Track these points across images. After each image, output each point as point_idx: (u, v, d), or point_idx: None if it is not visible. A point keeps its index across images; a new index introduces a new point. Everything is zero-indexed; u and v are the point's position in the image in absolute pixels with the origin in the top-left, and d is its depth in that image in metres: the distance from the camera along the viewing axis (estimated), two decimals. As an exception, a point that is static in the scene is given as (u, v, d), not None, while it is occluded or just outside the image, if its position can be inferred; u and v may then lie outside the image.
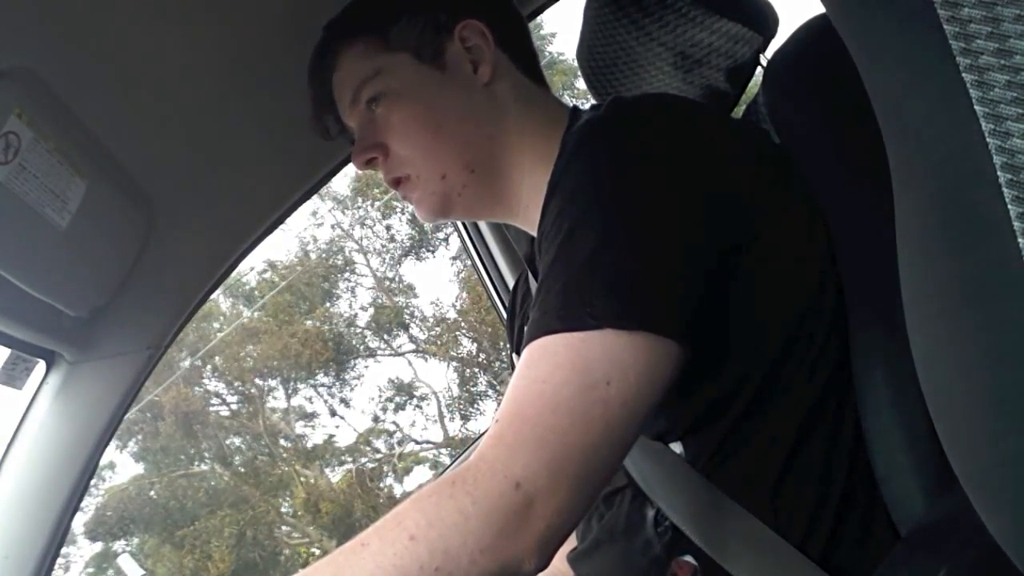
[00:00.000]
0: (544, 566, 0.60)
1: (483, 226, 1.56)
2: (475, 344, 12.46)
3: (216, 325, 12.79)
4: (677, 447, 0.76)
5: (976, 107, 0.47)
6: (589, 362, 0.62)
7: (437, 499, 0.59)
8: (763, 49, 0.95)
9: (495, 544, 0.58)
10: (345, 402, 12.91)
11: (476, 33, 0.89)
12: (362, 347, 13.09)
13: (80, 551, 11.57)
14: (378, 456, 12.29)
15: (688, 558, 0.74)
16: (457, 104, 0.88)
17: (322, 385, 12.86)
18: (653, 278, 0.65)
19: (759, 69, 0.95)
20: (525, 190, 0.88)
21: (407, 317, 12.91)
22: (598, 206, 0.68)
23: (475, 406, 12.35)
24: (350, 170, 1.18)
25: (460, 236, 1.67)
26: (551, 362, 0.63)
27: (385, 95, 0.89)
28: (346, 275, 13.24)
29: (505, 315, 1.38)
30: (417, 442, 12.41)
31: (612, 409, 0.61)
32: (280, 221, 1.27)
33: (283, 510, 12.22)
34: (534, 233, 0.93)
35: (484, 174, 0.89)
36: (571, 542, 0.90)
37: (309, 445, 12.87)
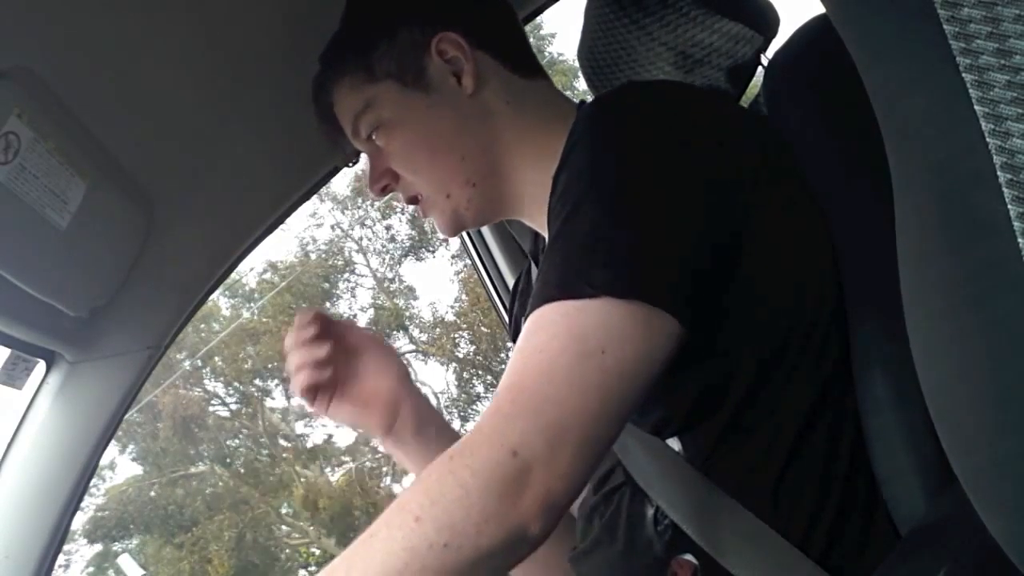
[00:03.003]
0: (550, 529, 0.61)
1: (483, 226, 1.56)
2: (474, 345, 12.46)
3: (216, 326, 12.79)
4: (676, 444, 0.76)
5: (976, 107, 0.47)
6: (586, 331, 0.63)
7: (438, 476, 0.60)
8: (764, 49, 0.95)
9: (498, 511, 0.58)
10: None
11: (452, 45, 0.89)
12: (362, 347, 13.06)
13: (80, 549, 11.59)
14: (377, 456, 12.29)
15: (688, 557, 0.74)
16: (446, 123, 0.89)
17: (322, 385, 12.82)
18: (652, 252, 0.66)
19: (760, 69, 0.95)
20: (530, 187, 0.89)
21: (407, 319, 12.92)
22: (603, 182, 0.69)
23: (474, 407, 12.35)
24: (350, 170, 1.18)
25: (460, 236, 1.67)
26: (548, 331, 0.64)
27: (380, 126, 0.91)
28: (346, 275, 13.25)
29: (505, 314, 1.38)
30: (417, 442, 12.40)
31: (609, 378, 0.62)
32: (280, 221, 1.27)
33: (283, 511, 12.22)
34: (540, 229, 0.93)
35: (486, 184, 0.90)
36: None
37: (309, 445, 12.88)
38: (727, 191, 0.71)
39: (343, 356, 0.94)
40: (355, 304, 13.35)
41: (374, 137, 0.92)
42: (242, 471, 12.57)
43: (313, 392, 0.93)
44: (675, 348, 0.66)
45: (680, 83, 0.89)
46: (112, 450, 11.69)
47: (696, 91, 0.84)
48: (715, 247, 0.69)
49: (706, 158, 0.71)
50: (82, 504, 1.20)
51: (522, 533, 0.59)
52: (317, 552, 11.64)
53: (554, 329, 0.64)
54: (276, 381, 12.67)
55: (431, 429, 0.95)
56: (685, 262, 0.67)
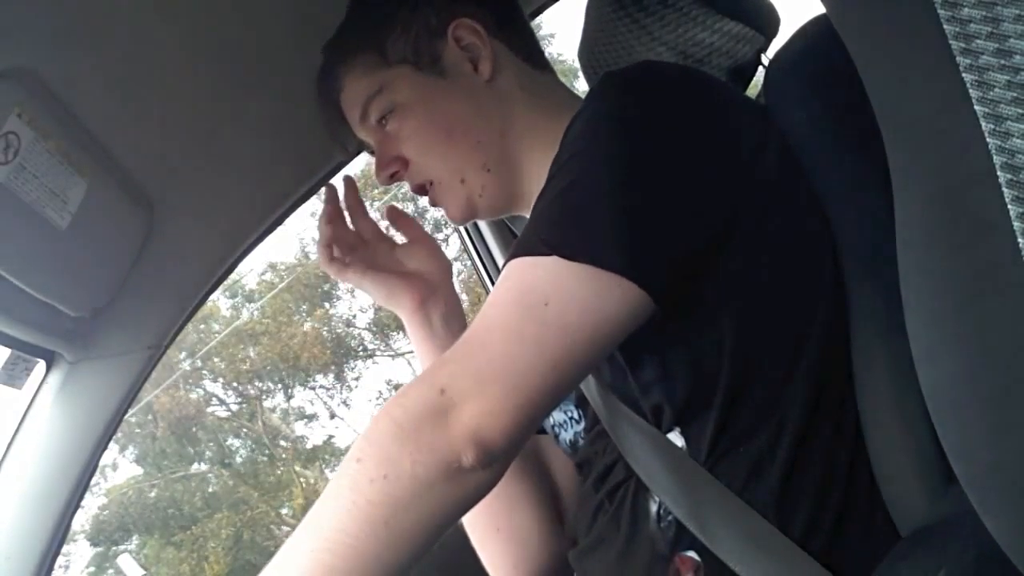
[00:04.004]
0: (489, 466, 0.62)
1: (483, 226, 1.55)
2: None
3: (216, 326, 12.79)
4: (679, 440, 0.76)
5: (976, 107, 0.47)
6: (532, 285, 0.65)
7: (375, 421, 0.63)
8: (764, 49, 0.95)
9: (429, 441, 0.60)
10: (345, 403, 12.92)
11: (469, 31, 0.90)
12: (361, 349, 13.09)
13: (79, 550, 11.59)
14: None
15: (691, 553, 0.74)
16: (463, 107, 0.90)
17: (321, 387, 12.86)
18: (613, 218, 0.67)
19: (760, 69, 0.95)
20: (538, 177, 0.89)
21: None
22: (586, 149, 0.70)
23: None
24: (350, 170, 1.18)
25: (460, 237, 1.67)
26: (502, 286, 0.67)
27: (393, 110, 0.91)
28: (346, 276, 13.21)
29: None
30: (416, 442, 12.38)
31: (548, 329, 0.63)
32: (280, 221, 1.27)
33: (283, 511, 12.21)
34: None
35: (501, 171, 0.90)
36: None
37: (309, 446, 12.87)
38: (723, 174, 0.71)
39: (382, 241, 1.02)
40: (355, 304, 13.35)
41: (385, 122, 0.91)
42: (242, 471, 12.57)
43: (335, 262, 0.98)
44: (634, 313, 0.66)
45: (693, 68, 0.90)
46: (112, 450, 11.69)
47: (706, 76, 0.84)
48: (700, 227, 0.70)
49: (703, 139, 0.71)
50: (82, 504, 1.20)
51: (455, 462, 0.60)
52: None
53: (507, 284, 0.67)
54: (276, 382, 12.68)
55: (457, 323, 0.99)
56: (652, 232, 0.67)
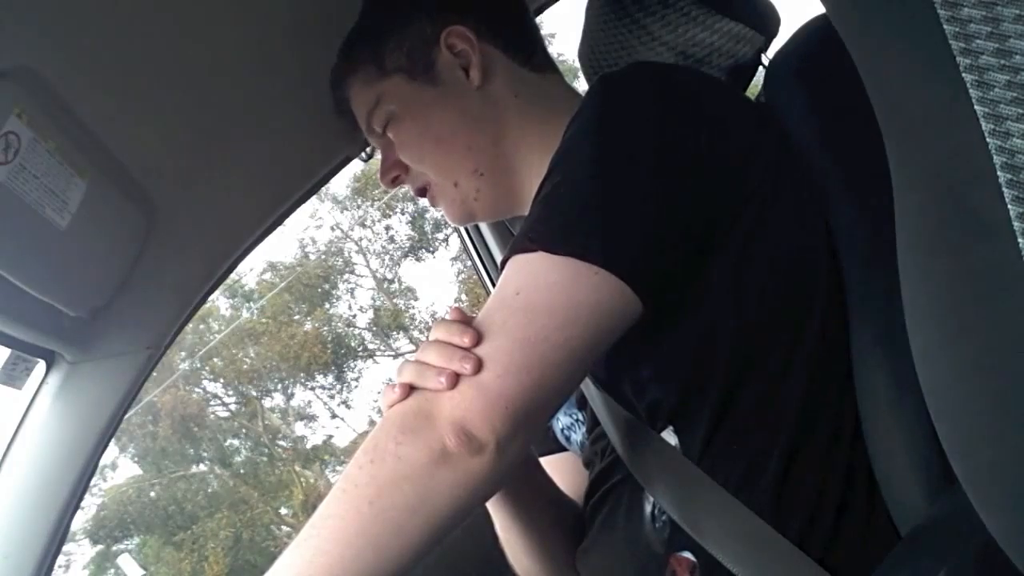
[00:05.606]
0: (474, 450, 0.62)
1: (483, 226, 1.55)
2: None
3: (215, 326, 12.80)
4: (672, 439, 0.76)
5: (976, 107, 0.47)
6: (511, 279, 0.68)
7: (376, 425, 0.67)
8: (765, 49, 0.95)
9: (412, 427, 0.63)
10: (345, 403, 12.93)
11: (460, 38, 0.91)
12: (361, 349, 13.10)
13: (80, 549, 11.60)
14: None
15: (687, 554, 0.73)
16: (453, 114, 0.91)
17: (321, 387, 12.87)
18: (594, 214, 0.68)
19: (760, 69, 0.96)
20: (537, 181, 0.89)
21: (407, 319, 12.91)
22: (574, 151, 0.72)
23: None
24: (349, 171, 1.19)
25: (460, 237, 1.66)
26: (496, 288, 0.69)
27: (391, 119, 0.93)
28: (345, 276, 13.24)
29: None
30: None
31: (514, 316, 0.65)
32: (280, 221, 1.27)
33: (282, 511, 12.21)
34: None
35: (493, 175, 0.91)
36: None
37: (308, 446, 12.88)
38: (710, 174, 0.71)
39: None
40: (355, 304, 13.36)
41: (385, 129, 0.93)
42: (242, 471, 12.58)
43: None
44: (616, 306, 0.67)
45: (690, 67, 0.90)
46: (112, 450, 11.69)
47: (700, 76, 0.85)
48: (684, 225, 0.70)
49: (690, 140, 0.72)
50: (83, 504, 1.20)
51: (437, 445, 0.62)
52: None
53: (498, 283, 0.69)
54: (276, 382, 12.69)
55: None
56: (633, 228, 0.68)
